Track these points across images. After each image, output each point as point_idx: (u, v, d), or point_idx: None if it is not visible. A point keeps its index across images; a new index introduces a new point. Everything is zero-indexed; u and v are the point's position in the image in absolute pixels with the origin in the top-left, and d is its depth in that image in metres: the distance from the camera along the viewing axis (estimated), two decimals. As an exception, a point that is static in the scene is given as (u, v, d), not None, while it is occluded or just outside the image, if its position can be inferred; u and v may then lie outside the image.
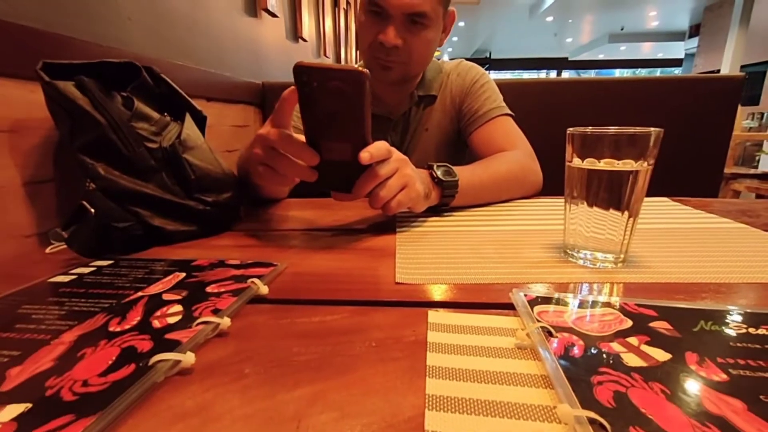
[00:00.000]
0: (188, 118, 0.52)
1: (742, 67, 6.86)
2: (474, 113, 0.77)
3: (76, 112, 0.43)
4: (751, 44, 6.65)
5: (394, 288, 0.33)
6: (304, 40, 1.68)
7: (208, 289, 0.31)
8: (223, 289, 0.31)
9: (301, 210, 0.62)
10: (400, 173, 0.45)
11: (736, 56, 6.87)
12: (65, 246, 0.41)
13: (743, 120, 4.47)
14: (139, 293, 0.31)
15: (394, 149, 0.46)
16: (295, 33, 1.62)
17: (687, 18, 9.17)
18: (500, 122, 0.75)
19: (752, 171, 3.14)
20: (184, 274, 0.34)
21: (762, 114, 5.80)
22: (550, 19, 9.21)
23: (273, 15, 1.32)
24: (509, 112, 0.77)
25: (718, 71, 7.25)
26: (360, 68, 0.37)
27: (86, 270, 0.36)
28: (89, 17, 0.59)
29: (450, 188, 0.54)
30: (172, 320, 0.26)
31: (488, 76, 0.81)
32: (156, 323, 0.26)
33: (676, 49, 11.04)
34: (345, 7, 2.60)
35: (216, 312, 0.27)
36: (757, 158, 4.17)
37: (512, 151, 0.69)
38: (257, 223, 0.55)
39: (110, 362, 0.22)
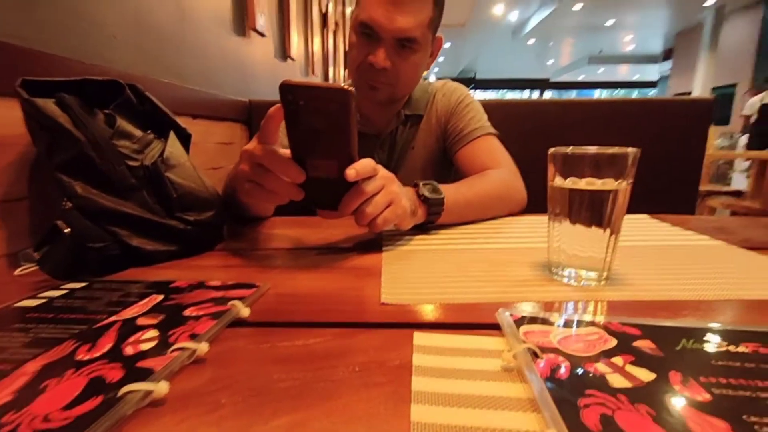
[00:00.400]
0: (172, 136, 0.52)
1: (713, 89, 7.22)
2: (459, 132, 0.78)
3: (55, 130, 0.42)
4: (720, 68, 7.03)
5: (380, 309, 0.32)
6: (292, 59, 1.70)
7: (186, 313, 0.30)
8: (202, 312, 0.30)
9: (286, 229, 0.61)
10: (386, 190, 0.45)
11: (706, 79, 7.24)
12: (36, 267, 0.39)
13: (716, 139, 4.66)
14: (113, 318, 0.29)
15: (380, 166, 0.46)
16: (284, 52, 1.64)
17: (660, 42, 9.66)
18: (485, 141, 0.77)
19: (726, 188, 3.26)
20: (161, 297, 0.33)
21: (732, 134, 6.08)
22: (531, 41, 9.57)
23: (261, 35, 1.34)
24: (493, 131, 0.78)
25: (690, 93, 7.61)
26: (345, 87, 0.37)
27: (57, 293, 0.35)
28: (73, 35, 0.58)
29: (436, 206, 0.54)
30: (146, 347, 0.25)
31: (472, 97, 0.83)
32: (129, 350, 0.25)
33: (652, 72, 11.57)
34: (333, 28, 2.65)
35: (193, 337, 0.26)
36: (729, 176, 4.34)
37: (497, 170, 0.71)
38: (240, 243, 0.54)
39: (76, 394, 0.20)
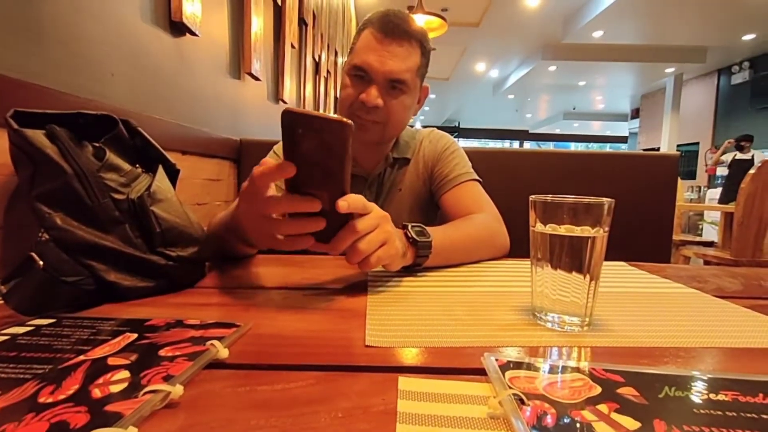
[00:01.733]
0: (160, 171, 0.52)
1: (678, 146, 7.77)
2: (444, 177, 0.82)
3: (40, 160, 0.42)
4: (683, 128, 7.61)
5: (364, 352, 0.32)
6: (285, 102, 1.76)
7: (162, 353, 0.29)
8: (178, 353, 0.29)
9: (270, 267, 0.60)
10: (380, 229, 0.46)
11: (672, 136, 7.79)
12: (1, 302, 0.37)
13: (684, 192, 4.94)
14: (81, 357, 0.28)
15: (373, 204, 0.47)
16: (277, 95, 1.70)
17: (628, 102, 10.46)
18: (468, 187, 0.81)
19: (698, 239, 3.40)
20: (135, 335, 0.32)
21: (699, 187, 6.48)
22: (511, 96, 10.22)
23: (256, 78, 1.39)
24: (477, 177, 0.82)
25: (658, 148, 8.15)
26: (345, 120, 0.38)
27: (21, 330, 0.33)
28: (71, 70, 0.60)
29: (424, 248, 0.54)
30: (115, 389, 0.24)
31: (457, 145, 0.88)
32: (96, 392, 0.23)
33: (622, 128, 12.40)
34: (325, 75, 2.79)
35: (167, 379, 0.25)
36: (700, 227, 4.56)
37: (481, 214, 0.73)
38: (222, 280, 0.52)
39: (35, 441, 0.19)
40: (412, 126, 0.91)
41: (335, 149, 0.39)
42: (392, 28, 0.69)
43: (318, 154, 0.39)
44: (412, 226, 0.56)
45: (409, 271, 0.55)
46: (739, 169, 5.03)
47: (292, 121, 0.38)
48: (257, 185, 0.42)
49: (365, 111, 0.71)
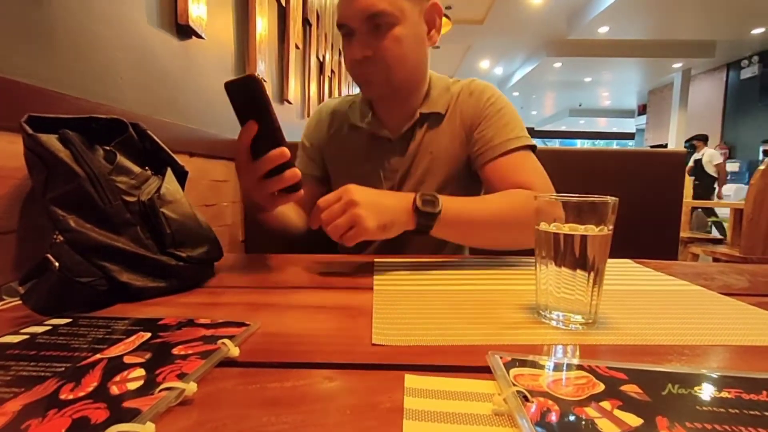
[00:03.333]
0: (169, 173, 0.53)
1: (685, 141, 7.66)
2: (488, 141, 0.66)
3: (54, 163, 0.43)
4: (692, 124, 7.51)
5: (371, 350, 0.32)
6: (290, 102, 1.77)
7: (175, 351, 0.30)
8: (190, 351, 0.30)
9: (278, 266, 0.61)
10: (342, 201, 0.51)
11: (680, 133, 7.70)
12: (20, 302, 0.38)
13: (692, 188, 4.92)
14: (98, 355, 0.29)
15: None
16: (282, 95, 1.71)
17: (635, 99, 10.35)
18: (519, 157, 0.64)
19: (707, 236, 3.37)
20: (149, 335, 0.33)
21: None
22: (516, 93, 10.16)
23: (262, 79, 1.40)
24: (531, 142, 0.65)
25: (666, 145, 8.06)
26: (249, 74, 0.47)
27: (40, 329, 0.34)
28: (81, 75, 0.61)
29: (426, 218, 0.53)
30: (132, 386, 0.25)
31: (506, 100, 0.69)
32: (114, 389, 0.24)
33: (629, 124, 12.28)
34: (329, 74, 2.79)
35: (181, 376, 0.26)
36: (709, 224, 4.52)
37: (523, 192, 0.60)
38: (231, 280, 0.53)
39: (58, 435, 0.20)
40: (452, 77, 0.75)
41: (257, 103, 0.47)
42: None
43: (252, 112, 0.48)
44: (422, 194, 0.53)
45: (419, 235, 0.55)
46: (697, 168, 5.11)
47: (227, 90, 0.47)
48: (239, 158, 0.51)
49: (361, 68, 0.64)
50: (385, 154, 0.72)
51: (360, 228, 0.49)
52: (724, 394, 0.25)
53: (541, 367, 0.28)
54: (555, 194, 0.39)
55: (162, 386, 0.24)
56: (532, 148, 0.66)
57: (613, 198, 0.37)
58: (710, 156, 5.27)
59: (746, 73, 6.87)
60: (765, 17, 5.41)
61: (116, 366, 0.27)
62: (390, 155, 0.72)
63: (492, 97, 0.69)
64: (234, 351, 0.30)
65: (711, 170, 5.19)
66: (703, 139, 5.49)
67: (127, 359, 0.28)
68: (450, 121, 0.70)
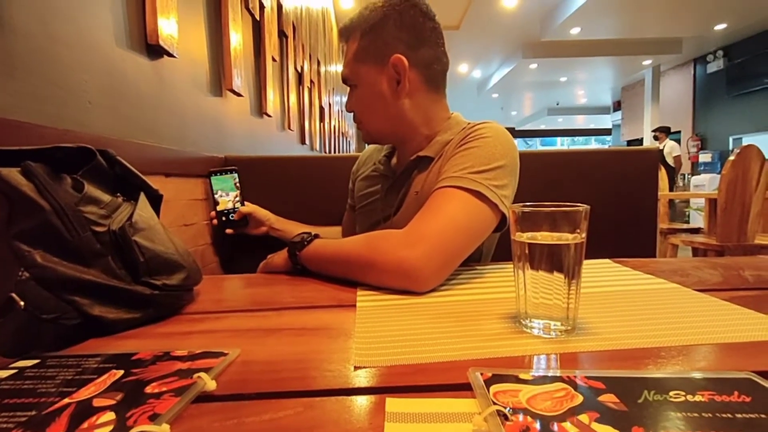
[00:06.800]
0: (142, 198, 0.52)
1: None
2: (440, 176, 0.63)
3: (16, 198, 0.41)
4: (664, 118, 7.76)
5: (352, 373, 0.32)
6: (269, 116, 1.76)
7: (148, 389, 0.29)
8: (165, 388, 0.29)
9: (260, 285, 0.60)
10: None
11: (653, 126, 7.93)
12: (-16, 345, 0.37)
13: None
14: (66, 400, 0.27)
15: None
16: (260, 109, 1.70)
17: (609, 95, 10.64)
18: (443, 195, 0.59)
19: (684, 226, 3.47)
20: (121, 372, 0.31)
21: (684, 174, 6.61)
22: (495, 95, 10.34)
23: (238, 94, 1.39)
24: (473, 187, 0.57)
25: (641, 139, 8.30)
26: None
27: (4, 374, 0.32)
28: (48, 101, 0.59)
29: (293, 255, 0.64)
30: (100, 433, 0.24)
31: (489, 140, 0.64)
32: (80, 438, 0.23)
33: (605, 121, 12.61)
34: (309, 85, 2.79)
35: (154, 418, 0.25)
36: (687, 214, 4.65)
37: (386, 233, 0.57)
38: (209, 305, 0.52)
39: (17, 496, 0.19)
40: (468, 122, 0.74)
41: None
42: (340, 33, 0.75)
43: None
44: (304, 233, 0.64)
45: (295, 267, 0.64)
46: (660, 159, 5.33)
47: None
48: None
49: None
50: (386, 192, 0.82)
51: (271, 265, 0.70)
52: (698, 398, 0.25)
53: (522, 381, 0.28)
54: (529, 203, 0.39)
55: (133, 431, 0.23)
56: (474, 192, 0.57)
57: (585, 206, 0.38)
58: (670, 148, 5.53)
59: (712, 68, 7.14)
60: (726, 13, 5.65)
61: (84, 410, 0.26)
62: (389, 193, 0.80)
63: (476, 133, 0.66)
64: (210, 384, 0.29)
65: (671, 161, 5.45)
66: (665, 131, 5.75)
67: (96, 402, 0.27)
68: (439, 162, 0.69)
